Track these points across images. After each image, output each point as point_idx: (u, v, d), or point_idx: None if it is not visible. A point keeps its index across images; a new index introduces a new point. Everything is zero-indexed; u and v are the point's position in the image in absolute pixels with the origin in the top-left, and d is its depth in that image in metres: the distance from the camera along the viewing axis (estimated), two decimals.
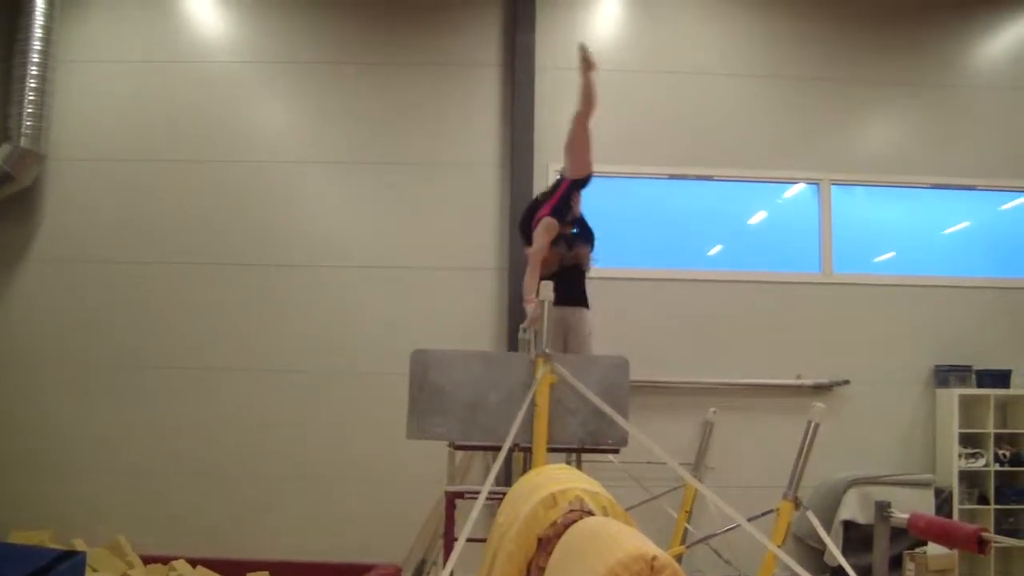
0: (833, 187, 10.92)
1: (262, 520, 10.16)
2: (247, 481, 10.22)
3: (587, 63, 7.56)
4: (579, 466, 6.40)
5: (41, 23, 10.14)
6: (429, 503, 9.51)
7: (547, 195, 7.65)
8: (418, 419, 5.71)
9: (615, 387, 5.78)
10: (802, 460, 5.58)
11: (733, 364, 10.49)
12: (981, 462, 10.23)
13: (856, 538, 9.51)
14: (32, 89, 10.06)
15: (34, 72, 10.09)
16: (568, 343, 7.49)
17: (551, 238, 7.37)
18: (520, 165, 10.44)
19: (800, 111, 11.01)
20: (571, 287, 7.40)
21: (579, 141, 7.52)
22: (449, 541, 6.11)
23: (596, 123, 10.58)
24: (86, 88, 10.71)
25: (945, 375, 10.55)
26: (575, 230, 7.64)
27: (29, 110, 10.02)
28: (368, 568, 9.59)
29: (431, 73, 10.83)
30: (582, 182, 7.59)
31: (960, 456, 10.21)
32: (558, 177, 7.68)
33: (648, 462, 8.01)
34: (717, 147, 10.86)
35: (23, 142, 9.96)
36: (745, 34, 11.12)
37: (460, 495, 6.38)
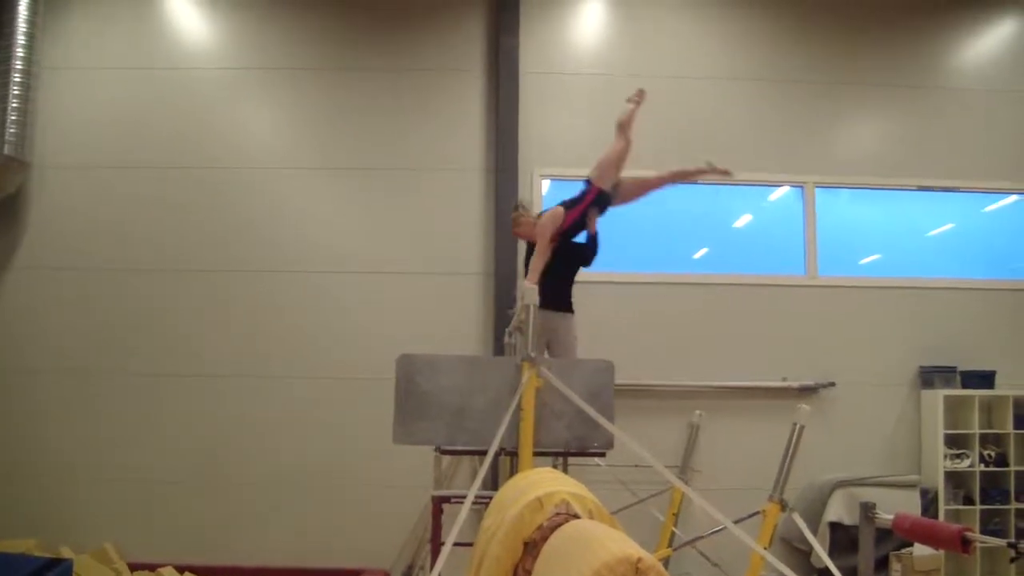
0: (817, 190, 10.95)
1: (250, 526, 10.13)
2: (234, 487, 10.20)
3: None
4: (565, 470, 6.41)
5: (24, 30, 10.11)
6: (417, 508, 9.52)
7: (573, 201, 7.73)
8: (404, 424, 5.72)
9: (601, 390, 5.80)
10: (788, 462, 5.60)
11: (719, 367, 10.50)
12: (966, 463, 10.27)
13: (842, 539, 9.54)
14: (15, 96, 10.02)
15: (17, 79, 10.06)
16: (552, 348, 7.49)
17: (556, 226, 7.55)
18: (505, 169, 10.45)
19: (784, 114, 11.04)
20: (558, 293, 7.44)
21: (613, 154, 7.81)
22: (436, 545, 6.11)
23: (578, 127, 10.67)
24: (70, 95, 10.68)
25: (930, 376, 10.58)
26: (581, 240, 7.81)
27: (13, 117, 9.99)
28: (356, 573, 9.60)
29: (416, 79, 10.83)
30: (604, 198, 7.75)
31: (945, 457, 10.24)
32: (586, 183, 7.78)
33: (634, 465, 8.04)
34: (701, 150, 10.78)
35: (7, 149, 9.92)
36: (729, 38, 11.14)
37: (447, 500, 6.38)
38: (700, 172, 8.23)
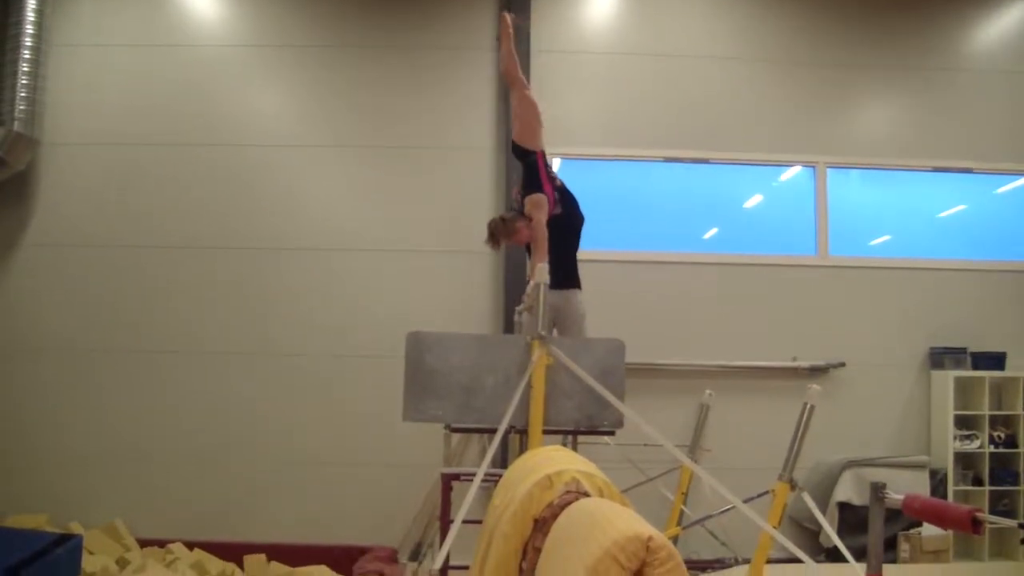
0: (829, 170, 10.90)
1: (259, 503, 10.16)
2: (244, 464, 10.23)
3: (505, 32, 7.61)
4: (575, 448, 6.42)
5: (34, 6, 10.06)
6: (425, 485, 9.52)
7: (534, 178, 7.35)
8: (414, 401, 5.73)
9: (611, 369, 5.80)
10: (798, 442, 5.62)
11: (729, 347, 10.49)
12: (976, 444, 10.26)
13: (851, 519, 9.55)
14: (25, 73, 10.00)
15: (27, 56, 10.03)
16: (559, 327, 7.35)
17: (546, 213, 7.17)
18: None
19: (796, 94, 10.98)
20: (559, 269, 7.22)
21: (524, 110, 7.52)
22: (445, 523, 6.12)
23: (589, 106, 10.62)
24: (80, 72, 10.66)
25: (940, 357, 10.56)
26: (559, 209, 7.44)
27: (22, 94, 9.96)
28: (364, 550, 9.61)
29: (427, 57, 10.79)
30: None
31: (955, 438, 10.22)
32: (530, 155, 7.37)
33: (644, 444, 8.03)
34: (713, 130, 10.84)
35: (16, 127, 9.90)
36: (742, 17, 11.07)
37: (456, 477, 6.39)
38: (506, 32, 7.64)
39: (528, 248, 7.42)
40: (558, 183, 7.51)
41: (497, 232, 7.37)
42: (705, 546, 9.33)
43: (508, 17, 7.67)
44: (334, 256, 10.53)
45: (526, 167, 7.43)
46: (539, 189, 7.26)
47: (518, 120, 7.58)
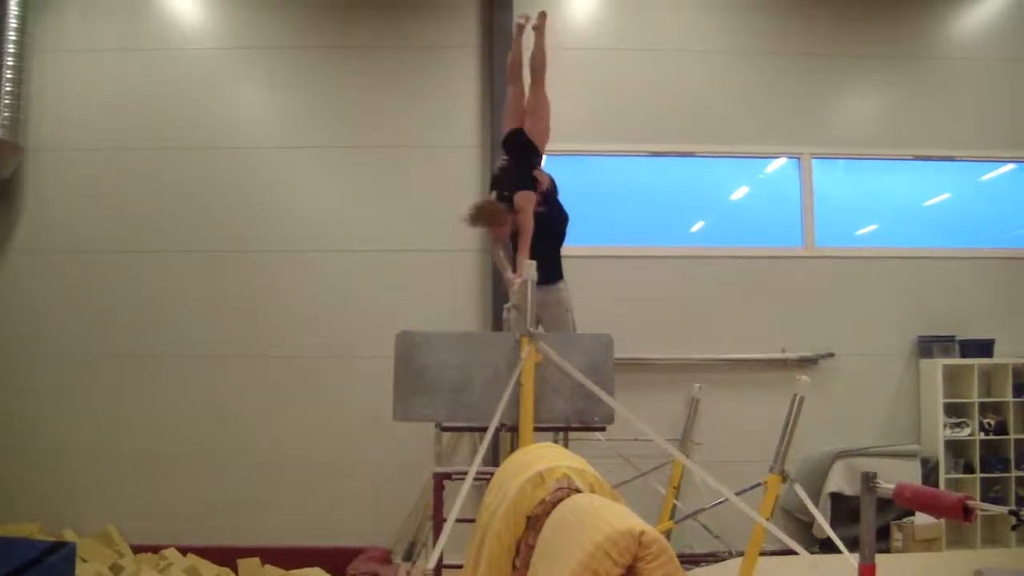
0: (814, 161, 10.92)
1: (252, 506, 10.14)
2: (236, 467, 10.20)
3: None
4: (566, 444, 6.42)
5: (16, 13, 10.02)
6: (418, 485, 9.53)
7: (522, 174, 7.29)
8: (404, 401, 5.73)
9: (600, 365, 5.81)
10: (788, 433, 5.61)
11: (718, 339, 10.50)
12: (966, 431, 10.28)
13: (843, 510, 9.56)
14: (8, 80, 9.95)
15: (10, 63, 9.98)
16: (544, 323, 7.26)
17: (532, 210, 7.13)
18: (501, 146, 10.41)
19: (780, 86, 10.99)
20: (539, 268, 7.10)
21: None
22: (438, 522, 6.12)
23: (573, 102, 10.61)
24: (64, 78, 10.61)
25: (929, 345, 10.59)
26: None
27: (6, 101, 9.92)
28: (358, 551, 9.61)
29: (411, 55, 10.77)
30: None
31: (945, 426, 10.25)
32: (536, 156, 7.39)
33: (635, 439, 8.04)
34: (698, 123, 10.84)
35: (0, 133, 9.88)
36: (724, 10, 11.07)
37: (448, 476, 6.40)
38: (541, 26, 7.65)
39: (512, 242, 7.34)
40: (545, 186, 7.48)
41: (483, 215, 7.17)
42: (698, 540, 9.35)
43: (537, 16, 7.66)
44: (324, 257, 10.52)
45: (522, 164, 7.36)
46: (532, 187, 7.22)
47: (536, 117, 7.47)
